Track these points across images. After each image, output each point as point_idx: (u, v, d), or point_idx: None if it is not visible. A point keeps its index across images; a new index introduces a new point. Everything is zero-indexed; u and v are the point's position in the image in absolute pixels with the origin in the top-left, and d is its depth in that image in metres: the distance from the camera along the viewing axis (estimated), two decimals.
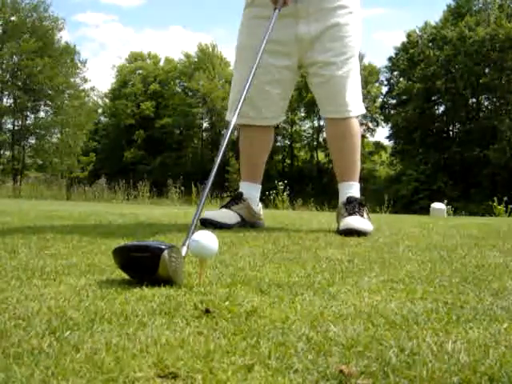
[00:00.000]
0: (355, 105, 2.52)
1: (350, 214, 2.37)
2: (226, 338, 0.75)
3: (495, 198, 8.22)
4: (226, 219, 2.45)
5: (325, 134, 39.03)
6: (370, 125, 36.52)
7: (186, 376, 0.61)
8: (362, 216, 2.39)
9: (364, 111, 2.59)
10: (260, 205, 2.69)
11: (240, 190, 2.64)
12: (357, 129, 2.55)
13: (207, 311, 0.88)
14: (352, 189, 2.51)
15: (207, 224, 2.35)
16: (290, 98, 2.74)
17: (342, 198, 2.49)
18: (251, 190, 2.63)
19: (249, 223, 2.58)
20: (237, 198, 2.58)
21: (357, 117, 2.56)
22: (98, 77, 67.10)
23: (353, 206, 2.41)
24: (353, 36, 2.49)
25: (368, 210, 2.52)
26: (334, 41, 2.44)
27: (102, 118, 39.17)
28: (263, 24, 2.36)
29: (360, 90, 2.56)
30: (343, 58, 2.45)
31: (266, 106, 2.54)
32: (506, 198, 8.14)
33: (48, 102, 24.25)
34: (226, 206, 2.56)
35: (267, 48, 2.23)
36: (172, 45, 67.13)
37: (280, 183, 9.30)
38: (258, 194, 2.67)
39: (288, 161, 36.24)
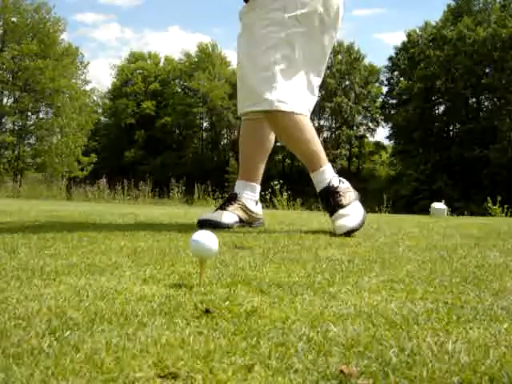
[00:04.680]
0: (247, 103, 2.38)
1: (331, 214, 2.32)
2: (226, 338, 0.75)
3: (489, 199, 8.12)
4: (223, 219, 2.43)
5: (325, 134, 38.85)
6: (371, 125, 36.58)
7: (186, 376, 0.61)
8: (341, 205, 2.30)
9: (273, 106, 2.27)
10: (259, 204, 2.65)
11: (235, 189, 2.59)
12: (281, 128, 2.40)
13: (207, 311, 0.88)
14: (318, 177, 2.39)
15: (205, 225, 2.34)
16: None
17: (317, 194, 2.42)
18: (247, 190, 2.57)
19: (247, 223, 2.56)
20: (231, 199, 2.54)
21: (273, 114, 2.32)
22: (97, 77, 67.14)
23: (326, 204, 2.34)
24: (261, 37, 2.33)
25: (341, 182, 2.38)
26: (242, 41, 2.43)
27: (102, 118, 39.21)
28: None
29: (266, 88, 2.28)
30: (242, 57, 2.42)
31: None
32: (499, 198, 8.02)
33: (48, 102, 24.23)
34: (221, 208, 2.52)
35: None
36: (170, 45, 67.19)
37: (276, 183, 8.96)
38: (256, 194, 2.61)
39: (288, 161, 36.24)
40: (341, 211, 2.29)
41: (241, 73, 2.42)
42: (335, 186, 2.35)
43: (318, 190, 2.40)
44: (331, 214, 2.34)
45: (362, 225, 2.25)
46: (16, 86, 23.99)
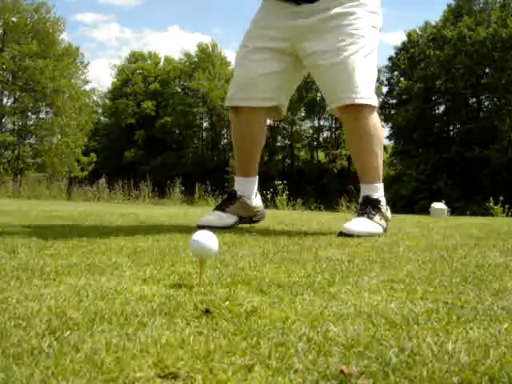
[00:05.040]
0: (364, 92, 2.32)
1: (358, 215, 2.34)
2: (226, 338, 0.75)
3: (491, 199, 8.11)
4: (223, 221, 2.43)
5: (325, 134, 38.54)
6: None
7: (186, 376, 0.61)
8: (371, 218, 2.31)
9: (376, 103, 2.37)
10: (258, 196, 2.64)
11: (235, 187, 2.59)
12: (372, 126, 2.38)
13: (207, 311, 0.88)
14: (369, 189, 2.41)
15: (205, 227, 2.34)
16: (287, 90, 2.55)
17: (360, 199, 2.43)
18: (245, 186, 2.57)
19: (247, 219, 2.56)
20: (230, 198, 2.54)
21: (371, 109, 2.36)
22: (97, 77, 67.18)
23: (364, 207, 2.36)
24: (355, 25, 2.34)
25: (387, 209, 2.41)
26: (330, 31, 2.33)
27: (102, 118, 39.24)
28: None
29: (371, 80, 2.37)
30: (340, 44, 2.32)
31: (253, 85, 2.43)
32: (502, 198, 8.01)
33: (48, 102, 24.23)
34: (220, 208, 2.52)
35: (259, 33, 2.43)
36: (170, 45, 67.27)
37: (279, 183, 9.13)
38: (254, 187, 2.61)
39: (288, 161, 36.25)
40: (362, 218, 2.30)
41: (340, 62, 2.31)
42: (382, 203, 2.39)
43: (363, 194, 2.42)
44: (355, 217, 2.37)
45: (360, 236, 2.18)
46: (16, 85, 23.99)
